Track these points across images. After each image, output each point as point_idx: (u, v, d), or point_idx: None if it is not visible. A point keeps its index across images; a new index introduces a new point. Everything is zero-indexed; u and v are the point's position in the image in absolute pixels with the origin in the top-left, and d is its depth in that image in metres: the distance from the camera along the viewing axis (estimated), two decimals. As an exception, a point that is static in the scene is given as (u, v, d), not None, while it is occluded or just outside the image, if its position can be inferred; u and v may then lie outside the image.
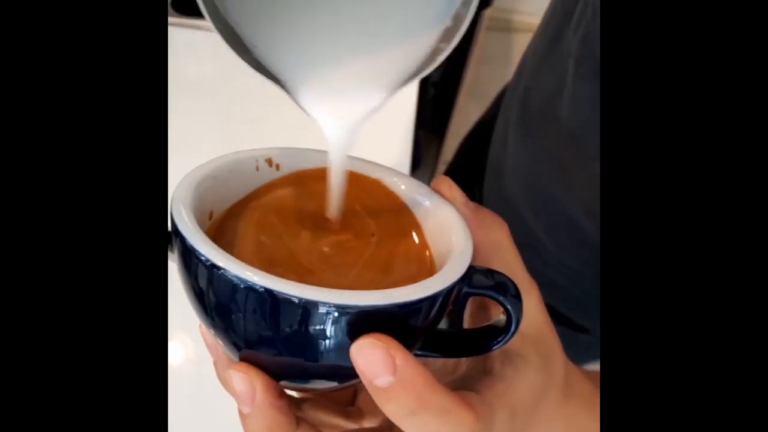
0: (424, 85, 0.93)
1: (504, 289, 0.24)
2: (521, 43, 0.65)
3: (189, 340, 0.53)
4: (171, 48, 0.73)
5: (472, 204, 0.28)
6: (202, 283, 0.22)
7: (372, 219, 0.29)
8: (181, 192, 0.24)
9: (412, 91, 0.73)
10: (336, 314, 0.20)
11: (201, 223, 0.23)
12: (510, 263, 0.28)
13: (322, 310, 0.20)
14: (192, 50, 0.79)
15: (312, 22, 0.25)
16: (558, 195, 0.51)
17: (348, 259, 0.27)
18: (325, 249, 0.27)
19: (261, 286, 0.20)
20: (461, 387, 0.25)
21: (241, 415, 0.23)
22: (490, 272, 0.25)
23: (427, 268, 0.27)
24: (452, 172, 0.80)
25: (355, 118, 0.25)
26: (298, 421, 0.24)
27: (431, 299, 0.22)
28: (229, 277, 0.21)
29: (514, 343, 0.26)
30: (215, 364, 0.27)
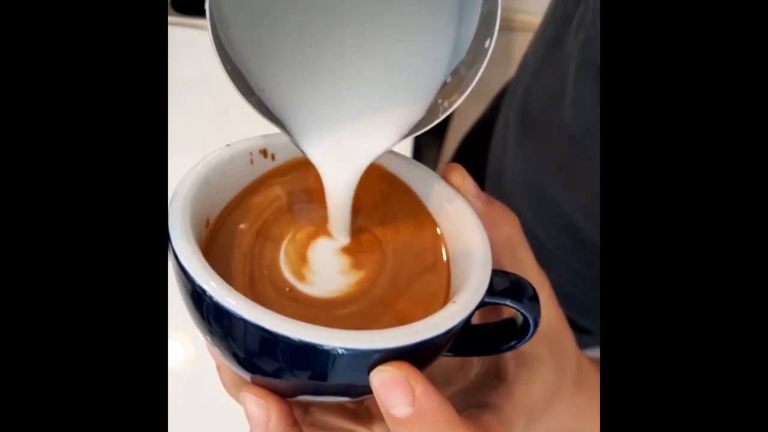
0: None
1: (520, 293, 0.24)
2: (521, 42, 0.65)
3: (189, 341, 0.53)
4: (171, 47, 0.72)
5: (483, 196, 0.27)
6: (208, 317, 0.21)
7: (382, 219, 0.28)
8: (176, 207, 0.23)
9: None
10: (356, 357, 0.20)
11: (198, 234, 0.23)
12: (521, 259, 0.28)
13: (343, 353, 0.19)
14: (192, 50, 0.79)
15: (318, 72, 0.25)
16: (558, 197, 0.50)
17: (355, 268, 0.26)
18: (332, 260, 0.26)
19: (282, 335, 0.19)
20: (476, 399, 0.25)
21: None
22: (505, 275, 0.24)
23: (444, 278, 0.26)
24: None
25: (355, 168, 0.25)
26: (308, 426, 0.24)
27: (455, 327, 0.21)
28: (238, 318, 0.19)
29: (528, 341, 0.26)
30: (221, 376, 0.26)
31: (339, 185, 0.26)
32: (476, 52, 0.24)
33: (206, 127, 0.73)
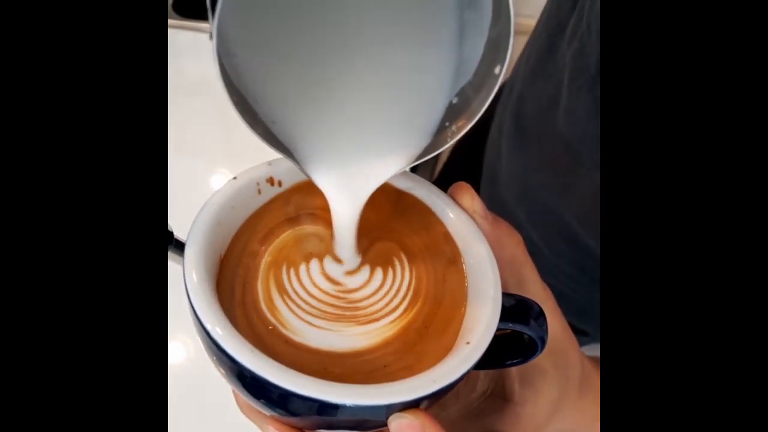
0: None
1: (527, 315, 0.24)
2: (520, 45, 0.65)
3: (189, 340, 0.53)
4: (171, 49, 0.73)
5: (491, 216, 0.28)
6: (228, 372, 0.22)
7: (392, 236, 0.28)
8: (191, 254, 0.23)
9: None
10: (375, 409, 0.20)
11: (212, 274, 0.23)
12: (524, 277, 0.29)
13: (361, 406, 0.20)
14: (192, 51, 0.79)
15: (325, 101, 0.25)
16: (553, 202, 0.50)
17: (370, 299, 0.26)
18: (345, 295, 0.26)
19: (305, 396, 0.20)
20: (483, 425, 0.26)
21: None
22: (511, 298, 0.25)
23: (461, 287, 0.27)
24: (447, 176, 0.80)
25: (361, 194, 0.26)
26: None
27: (470, 369, 0.22)
28: (260, 380, 0.20)
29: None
30: (236, 399, 0.27)
31: (346, 211, 0.26)
32: (484, 75, 0.23)
33: (206, 129, 0.73)
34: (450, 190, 0.29)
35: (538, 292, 0.29)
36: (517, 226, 0.30)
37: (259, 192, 0.28)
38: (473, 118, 0.23)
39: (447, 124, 0.25)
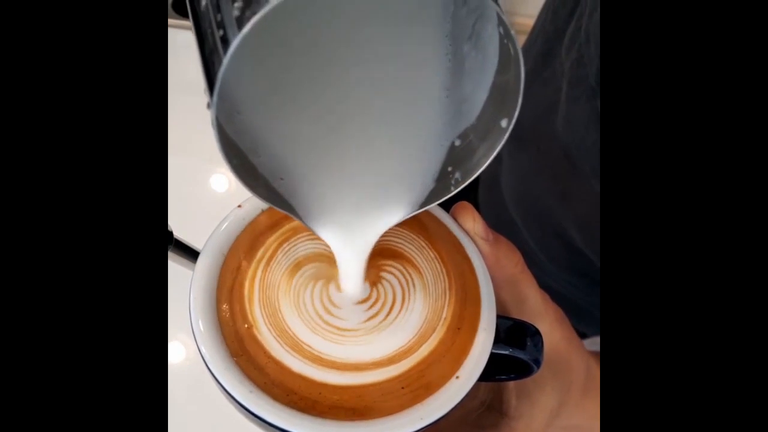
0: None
1: (521, 340, 0.25)
2: (520, 44, 0.65)
3: (189, 340, 0.53)
4: (171, 49, 0.73)
5: (492, 237, 0.28)
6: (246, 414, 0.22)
7: (399, 264, 0.28)
8: (199, 301, 0.24)
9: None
10: None
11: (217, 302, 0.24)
12: (522, 295, 0.29)
13: None
14: (192, 51, 0.79)
15: (327, 157, 0.25)
16: (551, 208, 0.50)
17: (367, 323, 0.26)
18: (351, 318, 0.26)
19: None
20: None
21: None
22: (505, 322, 0.25)
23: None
24: None
25: (365, 245, 0.26)
26: None
27: (459, 404, 0.23)
28: (256, 415, 0.21)
29: None
30: None
31: (351, 258, 0.26)
32: (489, 123, 0.23)
33: (205, 129, 0.73)
34: (452, 210, 0.29)
35: (537, 307, 0.29)
36: (515, 231, 0.30)
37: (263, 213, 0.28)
38: (478, 169, 0.23)
39: (450, 169, 0.24)
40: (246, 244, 0.27)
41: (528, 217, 0.54)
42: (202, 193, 0.68)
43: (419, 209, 0.25)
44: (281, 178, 0.24)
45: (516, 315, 0.28)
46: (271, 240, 0.27)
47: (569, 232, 0.48)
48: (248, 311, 0.24)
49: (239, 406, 0.22)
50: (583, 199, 0.45)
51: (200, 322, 0.23)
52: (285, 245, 0.27)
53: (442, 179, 0.25)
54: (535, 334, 0.25)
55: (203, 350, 0.23)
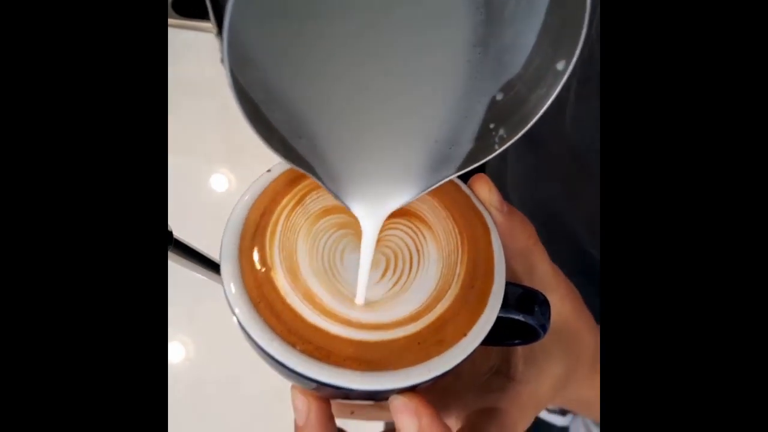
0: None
1: (530, 305, 0.26)
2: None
3: (189, 340, 0.53)
4: (171, 49, 0.73)
5: (506, 208, 0.29)
6: (261, 355, 0.24)
7: (415, 225, 0.28)
8: (229, 257, 0.24)
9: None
10: (377, 392, 0.23)
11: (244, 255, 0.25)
12: (534, 265, 0.29)
13: (365, 389, 0.22)
14: (192, 51, 0.79)
15: (350, 114, 0.23)
16: (558, 209, 0.50)
17: (384, 278, 0.26)
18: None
19: (318, 380, 0.22)
20: (486, 401, 0.28)
21: (296, 425, 0.27)
22: (515, 288, 0.26)
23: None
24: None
25: (388, 209, 0.25)
26: None
27: (464, 360, 0.23)
28: (290, 370, 0.22)
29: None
30: None
31: (371, 225, 0.25)
32: (540, 70, 0.20)
33: (206, 128, 0.74)
34: (469, 181, 0.29)
35: (548, 279, 0.30)
36: None
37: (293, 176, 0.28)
38: (528, 122, 0.20)
39: (492, 126, 0.22)
40: (274, 193, 0.27)
41: (534, 218, 0.54)
42: (202, 193, 0.68)
43: (456, 173, 0.23)
44: (299, 136, 0.22)
45: (527, 285, 0.29)
46: (299, 187, 0.28)
47: (577, 234, 0.48)
48: (267, 255, 0.25)
49: (261, 351, 0.23)
50: (592, 200, 0.45)
51: (228, 265, 0.24)
52: (314, 193, 0.28)
53: (484, 138, 0.22)
54: (543, 302, 0.26)
55: (229, 296, 0.24)
